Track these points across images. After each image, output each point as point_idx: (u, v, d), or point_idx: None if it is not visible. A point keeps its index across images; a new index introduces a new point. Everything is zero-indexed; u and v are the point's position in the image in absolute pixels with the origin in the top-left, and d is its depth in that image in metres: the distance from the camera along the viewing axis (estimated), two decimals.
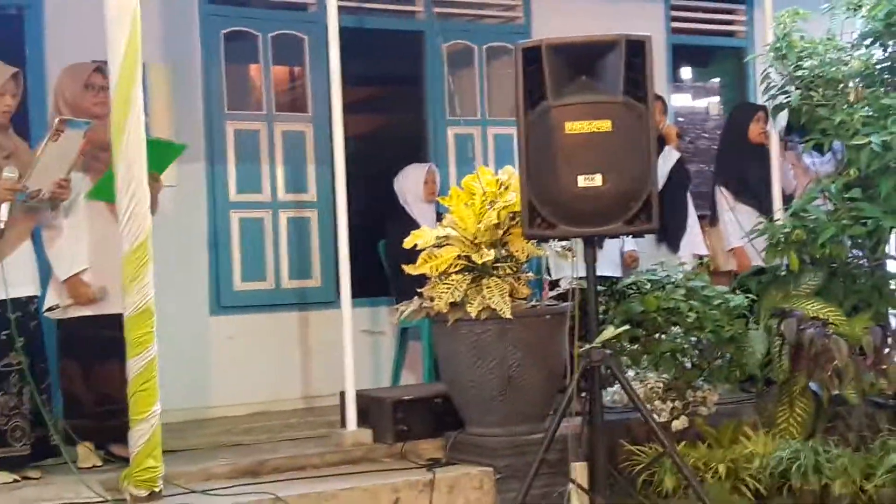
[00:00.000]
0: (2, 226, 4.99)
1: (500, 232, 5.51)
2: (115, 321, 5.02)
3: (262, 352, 7.15)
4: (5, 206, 4.99)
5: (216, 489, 4.98)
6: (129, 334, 4.78)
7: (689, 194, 7.69)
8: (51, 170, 5.08)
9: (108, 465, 5.29)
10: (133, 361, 4.77)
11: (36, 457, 5.21)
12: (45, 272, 5.43)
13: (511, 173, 5.62)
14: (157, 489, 4.77)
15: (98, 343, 5.30)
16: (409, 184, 7.40)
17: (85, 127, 5.10)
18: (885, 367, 5.71)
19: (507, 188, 5.55)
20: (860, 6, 6.22)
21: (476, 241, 5.48)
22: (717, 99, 10.70)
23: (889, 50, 6.23)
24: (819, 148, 6.46)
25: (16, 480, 5.06)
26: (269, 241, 7.32)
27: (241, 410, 6.93)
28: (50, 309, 5.41)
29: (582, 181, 5.06)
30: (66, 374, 5.45)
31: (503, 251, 5.51)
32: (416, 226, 6.44)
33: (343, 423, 5.80)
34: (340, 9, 5.94)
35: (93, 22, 5.19)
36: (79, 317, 5.38)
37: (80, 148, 5.12)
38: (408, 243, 5.64)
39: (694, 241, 7.61)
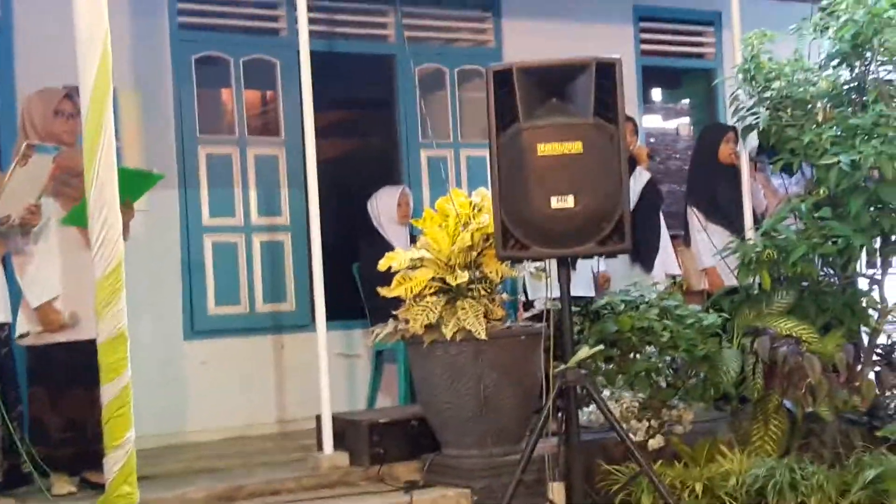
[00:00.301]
0: None
1: (474, 253, 5.52)
2: (86, 347, 5.01)
3: (237, 376, 7.14)
4: None
5: None
6: (102, 360, 4.73)
7: (661, 214, 7.73)
8: (20, 195, 5.05)
9: (82, 493, 5.24)
10: (107, 387, 4.72)
11: (8, 485, 5.16)
12: (17, 298, 5.39)
13: (484, 195, 5.63)
14: None
15: (68, 369, 5.25)
16: (383, 206, 7.41)
17: (54, 153, 5.08)
18: (857, 383, 5.76)
19: (480, 210, 5.57)
20: (827, 28, 6.25)
21: (450, 263, 5.48)
22: (686, 120, 10.77)
23: (856, 70, 6.25)
24: (788, 168, 6.48)
25: None
26: (243, 264, 7.32)
27: (216, 435, 6.91)
28: (21, 336, 5.36)
29: (554, 202, 5.09)
30: (36, 402, 5.37)
31: (477, 273, 5.51)
32: (389, 248, 6.46)
33: (319, 447, 5.77)
34: (311, 33, 5.93)
35: (63, 46, 5.20)
36: (48, 343, 5.32)
37: (49, 174, 5.10)
38: (382, 266, 5.63)
39: (667, 260, 7.65)
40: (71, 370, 5.21)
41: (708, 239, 7.44)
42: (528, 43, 7.92)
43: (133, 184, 5.36)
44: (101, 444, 4.83)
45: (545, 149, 5.08)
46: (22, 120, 5.46)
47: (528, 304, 6.68)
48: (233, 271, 7.27)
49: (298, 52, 5.91)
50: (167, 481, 5.50)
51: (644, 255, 7.39)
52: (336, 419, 5.80)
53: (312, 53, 5.86)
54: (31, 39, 6.60)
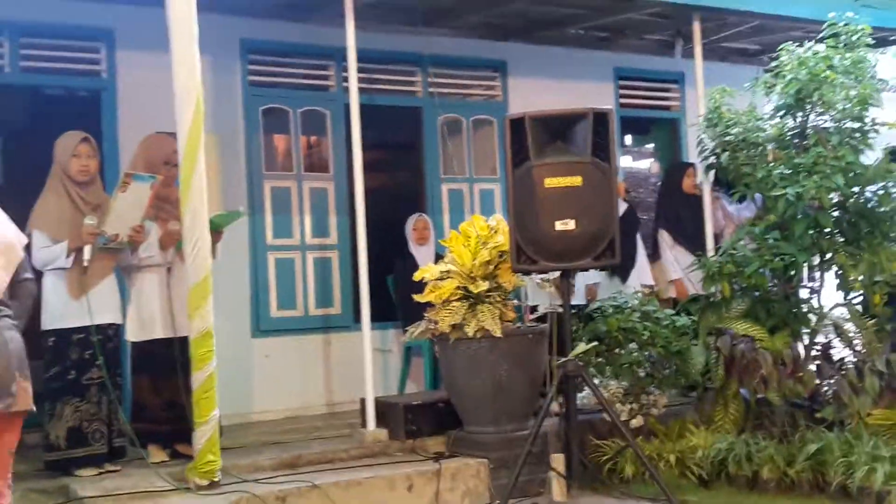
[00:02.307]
0: (86, 264, 4.98)
1: (491, 267, 5.53)
2: (179, 343, 5.06)
3: (294, 367, 7.10)
4: (88, 248, 4.99)
5: (264, 478, 4.96)
6: (194, 352, 4.78)
7: (638, 236, 7.72)
8: (125, 217, 5.05)
9: (173, 461, 5.25)
10: (197, 374, 4.78)
11: (111, 455, 5.17)
12: (126, 305, 5.40)
13: (499, 220, 5.67)
14: (216, 479, 4.77)
15: (165, 361, 5.22)
16: (408, 230, 7.43)
17: (150, 181, 5.07)
18: (801, 375, 5.75)
19: (496, 232, 5.59)
20: (775, 85, 6.28)
21: (472, 275, 5.50)
22: (653, 160, 10.74)
23: (799, 119, 6.26)
24: (743, 198, 6.51)
25: (99, 473, 5.03)
26: (299, 276, 7.27)
27: (278, 415, 6.86)
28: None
29: (558, 225, 5.15)
30: (140, 387, 5.39)
31: (494, 283, 5.52)
32: (416, 265, 6.46)
33: (364, 424, 5.77)
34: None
35: (156, 100, 5.26)
36: (148, 340, 5.34)
37: (150, 199, 5.09)
38: (417, 277, 5.66)
39: (642, 273, 7.64)
40: (168, 361, 5.18)
41: (675, 256, 7.46)
42: (529, 97, 7.86)
43: (222, 218, 5.41)
44: (189, 421, 4.87)
45: (551, 182, 5.14)
46: (136, 156, 5.48)
47: (533, 309, 6.67)
48: (291, 282, 7.23)
49: (345, 104, 5.95)
50: (242, 451, 5.50)
51: (622, 269, 7.37)
52: (377, 402, 5.80)
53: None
54: (132, 93, 6.61)
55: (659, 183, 8.96)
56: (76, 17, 6.45)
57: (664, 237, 7.67)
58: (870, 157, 6.13)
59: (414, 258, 7.18)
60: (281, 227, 7.22)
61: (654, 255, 7.83)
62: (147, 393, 5.32)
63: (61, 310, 4.96)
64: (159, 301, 5.31)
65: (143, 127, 5.91)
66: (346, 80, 6.53)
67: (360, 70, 6.05)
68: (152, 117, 5.88)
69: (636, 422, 5.83)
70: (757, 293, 6.23)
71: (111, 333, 5.21)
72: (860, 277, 5.95)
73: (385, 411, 5.79)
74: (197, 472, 4.74)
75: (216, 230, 5.12)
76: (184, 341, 4.94)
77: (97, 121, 6.58)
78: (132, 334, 5.35)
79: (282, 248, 7.23)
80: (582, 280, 7.21)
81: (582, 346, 5.32)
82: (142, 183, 5.04)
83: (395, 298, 7.29)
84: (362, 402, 5.81)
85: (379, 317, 7.13)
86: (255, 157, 7.15)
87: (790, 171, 5.95)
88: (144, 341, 5.33)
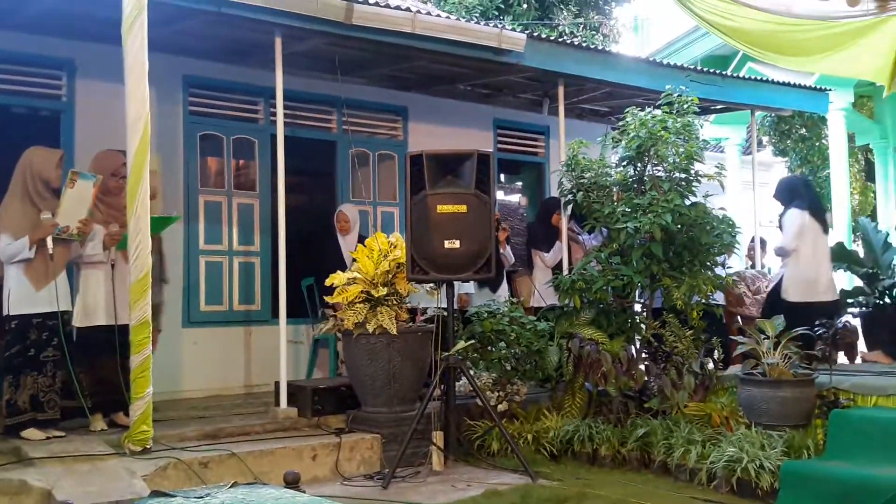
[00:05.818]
0: (51, 251, 4.80)
1: (390, 276, 5.51)
2: (119, 330, 4.90)
3: (218, 353, 6.92)
4: (49, 239, 4.81)
5: (190, 447, 4.82)
6: (133, 338, 4.63)
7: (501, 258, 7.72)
8: (73, 211, 4.88)
9: (111, 430, 5.05)
10: (135, 357, 4.63)
11: (63, 420, 4.96)
12: (74, 293, 5.18)
13: (398, 237, 5.65)
14: (148, 446, 4.62)
15: (104, 344, 5.04)
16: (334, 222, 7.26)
17: (93, 179, 4.96)
18: (633, 372, 5.89)
19: (395, 247, 5.57)
20: (621, 140, 6.44)
21: (374, 282, 5.46)
22: (523, 195, 10.86)
23: (638, 168, 6.43)
24: (592, 229, 6.64)
25: (47, 438, 4.80)
26: (226, 277, 7.09)
27: (202, 394, 6.66)
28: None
29: (447, 244, 5.18)
30: (81, 366, 5.13)
31: (392, 289, 5.50)
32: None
33: (277, 403, 5.66)
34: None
35: (108, 121, 5.12)
36: (90, 326, 5.13)
37: (93, 195, 4.95)
38: (328, 282, 5.59)
39: (506, 288, 7.68)
40: (106, 345, 5.00)
41: (542, 274, 7.53)
42: (425, 138, 7.90)
43: (159, 223, 5.24)
44: (125, 395, 4.71)
45: (442, 208, 5.17)
46: (89, 168, 5.28)
47: (423, 311, 6.65)
48: (218, 281, 7.04)
49: (272, 135, 5.85)
50: (170, 424, 5.32)
51: (494, 282, 7.38)
52: (289, 385, 5.70)
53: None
54: (87, 115, 6.36)
55: (525, 214, 9.07)
56: (43, 49, 6.21)
57: (536, 258, 7.66)
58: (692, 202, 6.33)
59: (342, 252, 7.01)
60: (212, 234, 7.04)
61: (528, 272, 7.84)
62: (86, 371, 5.08)
63: (23, 298, 4.77)
64: (103, 293, 5.12)
65: (96, 144, 5.70)
66: (273, 114, 6.42)
67: (285, 107, 5.98)
68: (104, 136, 5.69)
69: (502, 406, 5.86)
70: (601, 305, 6.36)
71: (66, 319, 5.00)
72: (682, 297, 6.13)
73: (295, 393, 5.69)
74: (132, 440, 4.58)
75: (152, 234, 4.94)
76: (123, 328, 4.78)
77: (56, 137, 6.30)
78: (77, 320, 5.12)
79: (212, 253, 7.04)
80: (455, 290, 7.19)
81: (461, 344, 5.34)
82: (86, 181, 4.91)
83: (307, 300, 7.15)
84: (276, 384, 5.70)
85: (292, 313, 7.03)
86: (192, 174, 6.95)
87: (630, 210, 6.11)
88: (87, 327, 5.11)
